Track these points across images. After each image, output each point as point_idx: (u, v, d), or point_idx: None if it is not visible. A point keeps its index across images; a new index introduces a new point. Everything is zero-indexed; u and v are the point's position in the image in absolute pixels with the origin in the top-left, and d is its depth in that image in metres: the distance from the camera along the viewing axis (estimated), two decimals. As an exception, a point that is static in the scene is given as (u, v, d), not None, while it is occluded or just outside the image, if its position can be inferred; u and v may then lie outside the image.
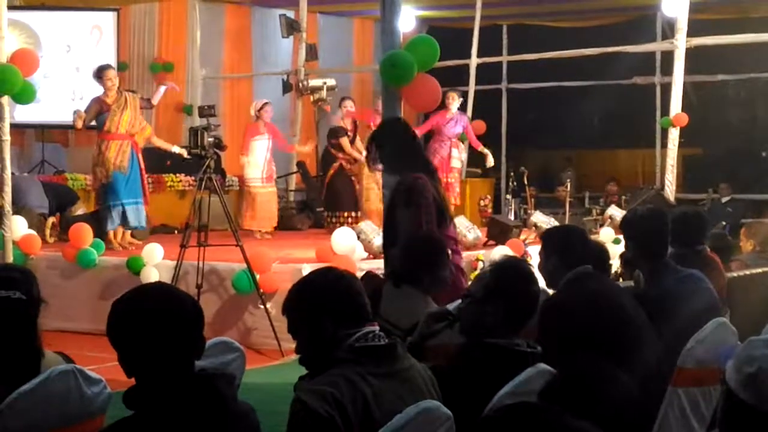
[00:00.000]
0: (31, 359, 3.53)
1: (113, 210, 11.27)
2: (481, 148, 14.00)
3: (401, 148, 6.48)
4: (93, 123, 11.43)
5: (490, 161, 14.17)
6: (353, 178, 13.35)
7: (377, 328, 3.34)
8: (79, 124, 11.24)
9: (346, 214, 13.18)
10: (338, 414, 3.08)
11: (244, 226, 12.62)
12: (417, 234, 5.93)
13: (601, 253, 5.59)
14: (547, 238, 5.09)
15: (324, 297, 3.31)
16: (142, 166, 11.58)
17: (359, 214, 13.08)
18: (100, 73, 11.43)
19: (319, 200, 14.17)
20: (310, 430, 3.06)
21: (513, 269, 3.96)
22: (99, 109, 11.25)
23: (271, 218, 13.28)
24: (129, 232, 11.62)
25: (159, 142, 12.36)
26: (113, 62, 15.71)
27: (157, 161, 13.40)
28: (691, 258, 5.81)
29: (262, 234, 12.93)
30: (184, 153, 11.54)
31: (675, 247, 6.17)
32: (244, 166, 13.10)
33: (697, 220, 6.42)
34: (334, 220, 13.25)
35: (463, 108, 14.40)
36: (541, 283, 4.91)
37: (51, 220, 12.24)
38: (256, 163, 13.01)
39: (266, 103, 13.21)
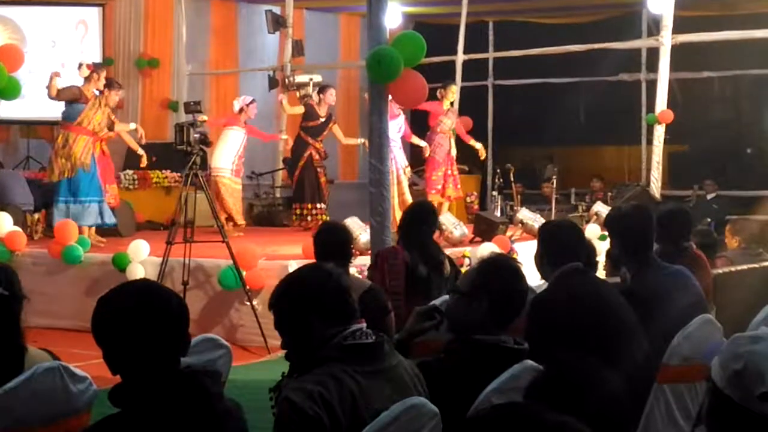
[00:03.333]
0: (15, 356, 3.52)
1: (66, 206, 11.21)
2: (472, 141, 13.98)
3: None
4: (60, 116, 11.42)
5: (483, 153, 14.16)
6: (319, 170, 13.30)
7: (364, 325, 3.33)
8: (54, 89, 11.06)
9: (309, 206, 13.15)
10: (326, 413, 3.07)
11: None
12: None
13: (587, 249, 5.60)
14: (540, 231, 5.10)
15: (311, 295, 3.29)
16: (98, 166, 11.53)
17: (323, 206, 13.09)
18: (97, 69, 11.41)
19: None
20: (297, 429, 3.05)
21: (500, 266, 3.96)
22: (76, 96, 11.20)
23: (238, 211, 13.13)
24: (93, 228, 11.54)
25: (127, 138, 12.32)
26: (98, 57, 15.70)
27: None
28: (677, 255, 5.83)
29: (234, 228, 12.76)
30: (144, 160, 11.94)
31: (661, 244, 6.18)
32: (212, 152, 12.78)
33: (682, 217, 6.44)
34: (298, 212, 13.24)
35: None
36: (534, 277, 4.94)
37: (36, 216, 12.19)
38: (227, 152, 12.90)
39: (254, 101, 13.18)
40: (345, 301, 3.33)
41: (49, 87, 11.03)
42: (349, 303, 3.34)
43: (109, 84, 11.55)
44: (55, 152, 11.30)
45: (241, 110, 12.99)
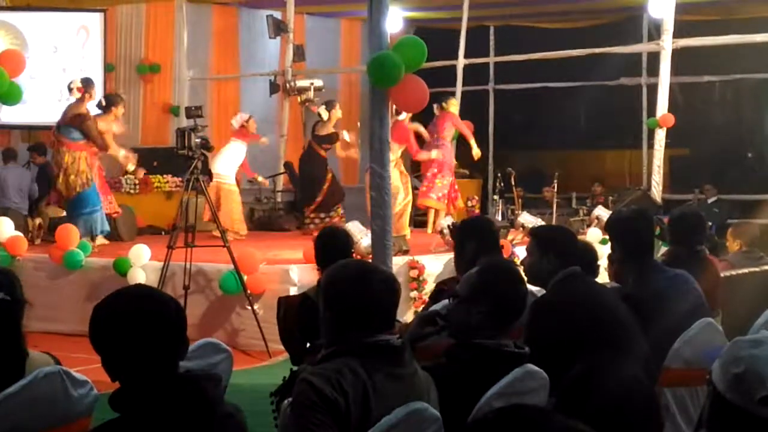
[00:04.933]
0: (16, 360, 3.52)
1: (94, 216, 11.28)
2: (472, 141, 14.05)
3: None
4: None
5: (477, 155, 14.20)
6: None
7: (395, 337, 3.32)
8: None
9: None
10: (342, 399, 3.09)
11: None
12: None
13: (588, 253, 5.59)
14: (545, 237, 4.99)
15: (347, 302, 3.29)
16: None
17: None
18: (87, 87, 11.49)
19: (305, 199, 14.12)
20: (317, 407, 3.07)
21: (500, 269, 3.96)
22: (86, 119, 11.35)
23: (242, 220, 13.24)
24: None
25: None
26: (100, 63, 15.72)
27: (144, 162, 13.37)
28: (688, 258, 5.81)
29: (236, 236, 12.84)
30: (131, 165, 11.97)
31: (673, 247, 6.18)
32: (215, 157, 12.76)
33: (695, 220, 6.41)
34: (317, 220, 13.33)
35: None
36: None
37: (38, 221, 12.21)
38: (232, 162, 12.97)
39: (251, 117, 13.31)
40: (380, 313, 3.31)
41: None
42: (383, 315, 3.31)
43: (113, 101, 11.75)
44: (65, 170, 11.30)
45: (242, 127, 13.10)
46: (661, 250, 7.77)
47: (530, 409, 1.99)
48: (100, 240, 11.48)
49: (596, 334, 4.22)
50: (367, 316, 3.26)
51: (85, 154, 11.33)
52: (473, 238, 5.50)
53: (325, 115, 13.46)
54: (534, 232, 5.17)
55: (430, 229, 13.13)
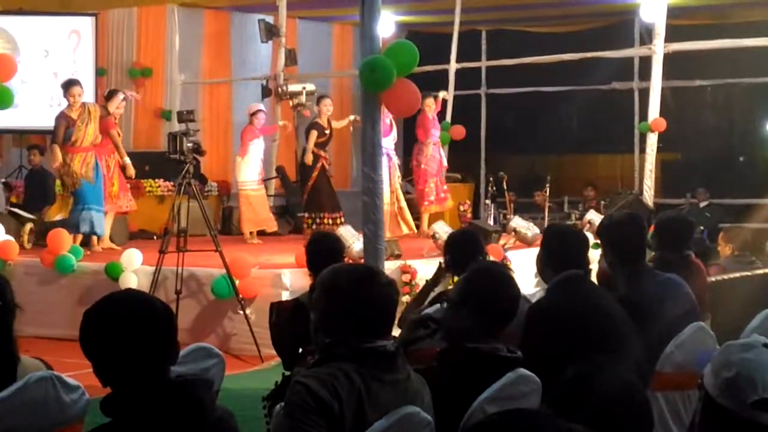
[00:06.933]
0: (7, 365, 3.51)
1: (83, 214, 11.23)
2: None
3: None
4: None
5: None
6: (330, 179, 13.34)
7: (390, 342, 3.32)
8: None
9: (331, 215, 13.19)
10: (336, 403, 3.09)
11: (243, 230, 13.24)
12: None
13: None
14: (544, 234, 5.10)
15: (347, 305, 3.28)
16: (107, 173, 11.70)
17: (337, 214, 13.11)
18: (67, 88, 11.44)
19: (299, 204, 14.08)
20: (311, 410, 3.07)
21: (489, 273, 3.96)
22: (66, 125, 11.24)
23: (271, 218, 13.54)
24: (107, 236, 11.65)
25: (119, 143, 12.37)
26: (91, 67, 15.70)
27: (136, 167, 13.33)
28: (677, 263, 5.81)
29: (254, 236, 13.16)
30: (129, 170, 11.94)
31: (661, 251, 6.19)
32: (238, 168, 13.20)
33: (684, 225, 6.42)
34: (310, 221, 13.24)
35: (442, 113, 14.48)
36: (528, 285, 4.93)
37: (28, 225, 12.18)
38: (253, 165, 13.14)
39: (261, 110, 13.30)
40: (378, 319, 3.30)
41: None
42: (381, 321, 3.31)
43: (109, 96, 11.93)
44: (59, 172, 11.47)
45: (250, 121, 13.17)
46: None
47: (532, 413, 1.98)
48: (105, 241, 11.58)
49: (592, 337, 4.22)
50: (367, 320, 3.25)
51: (80, 155, 11.26)
52: (472, 255, 5.58)
53: (315, 110, 13.49)
54: (546, 229, 5.27)
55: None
